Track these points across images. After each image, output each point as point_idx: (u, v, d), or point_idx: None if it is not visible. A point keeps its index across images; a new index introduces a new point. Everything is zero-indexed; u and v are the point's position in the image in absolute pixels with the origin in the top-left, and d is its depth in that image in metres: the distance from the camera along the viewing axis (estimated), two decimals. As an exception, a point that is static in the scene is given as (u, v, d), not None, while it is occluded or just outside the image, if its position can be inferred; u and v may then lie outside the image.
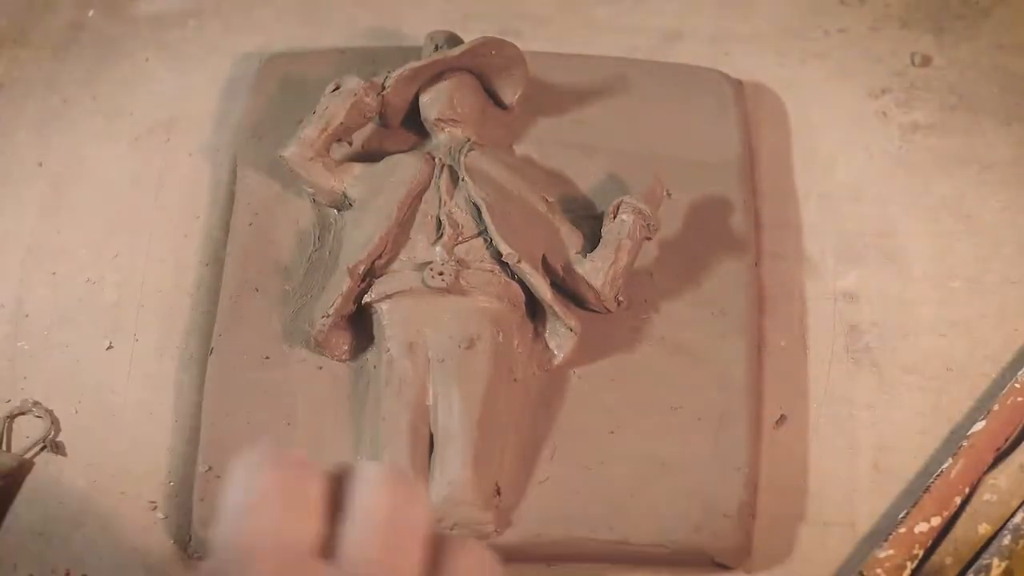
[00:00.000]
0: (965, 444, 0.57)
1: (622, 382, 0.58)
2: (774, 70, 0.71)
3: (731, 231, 0.63)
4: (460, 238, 0.59)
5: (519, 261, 0.57)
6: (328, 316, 0.57)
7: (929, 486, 0.56)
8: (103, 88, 0.70)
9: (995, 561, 0.54)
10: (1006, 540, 0.55)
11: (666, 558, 0.55)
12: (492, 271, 0.58)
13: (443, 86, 0.63)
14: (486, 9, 0.73)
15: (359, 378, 0.58)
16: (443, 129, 0.63)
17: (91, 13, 0.73)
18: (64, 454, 0.59)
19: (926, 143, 0.68)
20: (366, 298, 0.58)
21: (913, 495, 0.57)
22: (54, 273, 0.64)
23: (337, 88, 0.61)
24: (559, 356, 0.58)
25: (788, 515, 0.57)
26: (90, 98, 0.70)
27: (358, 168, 0.62)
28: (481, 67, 0.63)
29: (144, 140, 0.68)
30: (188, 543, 0.56)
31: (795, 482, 0.58)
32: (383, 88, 0.62)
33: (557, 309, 0.58)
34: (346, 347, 0.59)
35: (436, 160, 0.61)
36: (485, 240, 0.59)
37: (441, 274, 0.57)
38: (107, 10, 0.73)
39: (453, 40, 0.65)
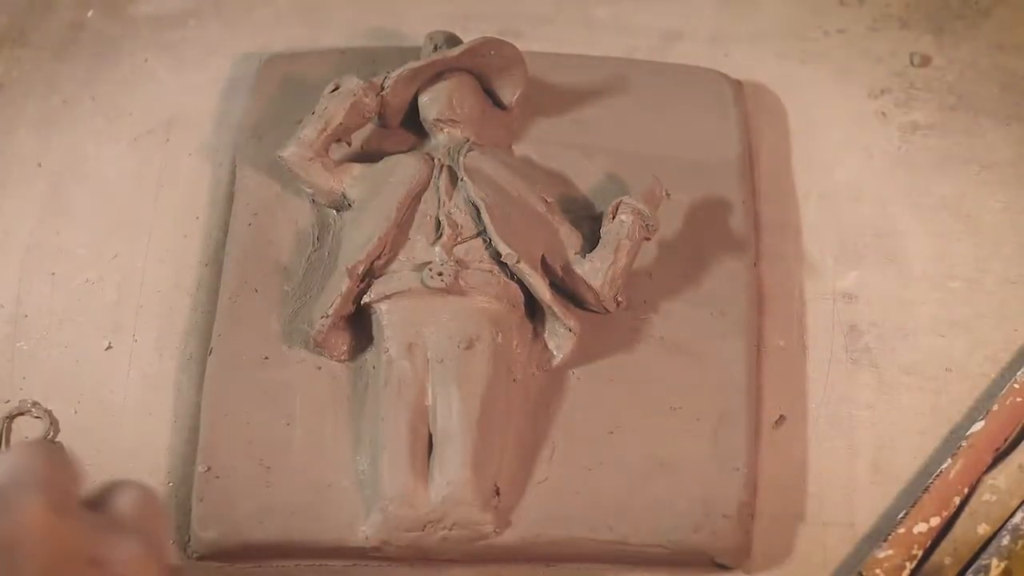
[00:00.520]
0: (964, 444, 0.57)
1: (622, 382, 0.58)
2: (774, 70, 0.71)
3: (731, 231, 0.63)
4: (459, 238, 0.59)
5: (518, 261, 0.57)
6: (327, 316, 0.57)
7: (928, 486, 0.56)
8: (103, 88, 0.70)
9: (994, 561, 0.54)
10: (1005, 540, 0.55)
11: (666, 558, 0.55)
12: (491, 271, 0.58)
13: (442, 86, 0.63)
14: (486, 9, 0.73)
15: (358, 378, 0.58)
16: (442, 129, 0.63)
17: (91, 13, 0.73)
18: (64, 454, 0.59)
19: (926, 143, 0.68)
20: (365, 298, 0.58)
21: (912, 495, 0.57)
22: (53, 273, 0.64)
23: (336, 88, 0.61)
24: (558, 356, 0.58)
25: (787, 515, 0.57)
26: (90, 98, 0.70)
27: (357, 168, 0.62)
28: (480, 67, 0.63)
29: (144, 140, 0.68)
30: (187, 543, 0.56)
31: (794, 482, 0.58)
32: (382, 88, 0.62)
33: (556, 309, 0.58)
34: (345, 347, 0.59)
35: (435, 160, 0.61)
36: (484, 240, 0.59)
37: (440, 274, 0.57)
38: (107, 10, 0.74)
39: (452, 40, 0.65)
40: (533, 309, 0.59)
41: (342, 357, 0.58)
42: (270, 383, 0.58)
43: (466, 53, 0.62)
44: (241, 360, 0.59)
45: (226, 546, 0.55)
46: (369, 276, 0.58)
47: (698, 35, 0.72)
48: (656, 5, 0.73)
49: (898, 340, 0.62)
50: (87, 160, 0.68)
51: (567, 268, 0.59)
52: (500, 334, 0.57)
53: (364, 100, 0.61)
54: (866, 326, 0.63)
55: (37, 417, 0.59)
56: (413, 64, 0.62)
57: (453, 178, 0.60)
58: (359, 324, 0.59)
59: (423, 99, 0.63)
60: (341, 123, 0.61)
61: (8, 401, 0.60)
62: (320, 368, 0.58)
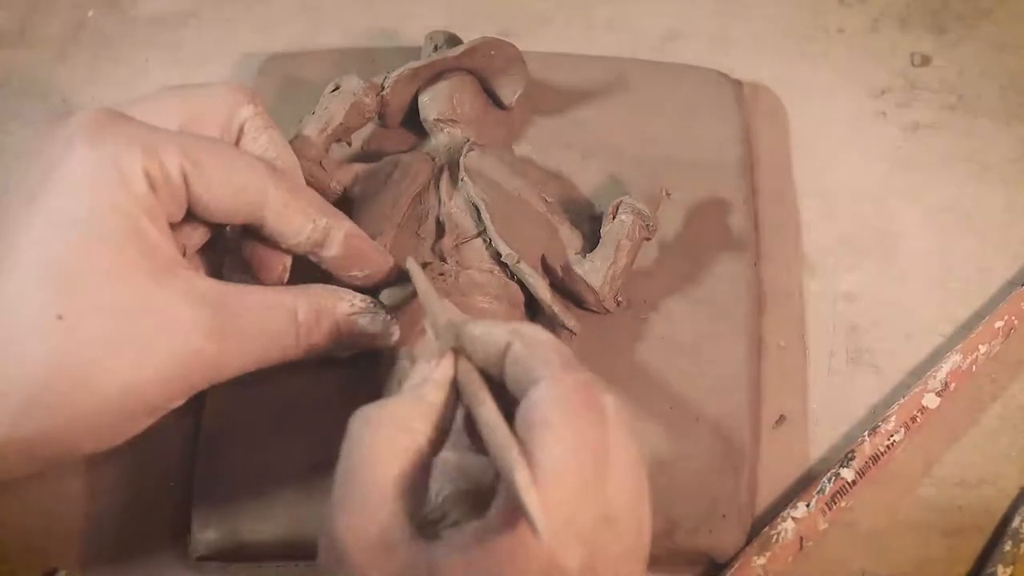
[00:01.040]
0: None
1: (622, 382, 0.58)
2: (774, 70, 0.71)
3: (731, 231, 0.63)
4: (460, 239, 0.59)
5: (518, 262, 0.57)
6: (327, 316, 0.57)
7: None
8: (103, 88, 0.70)
9: (1000, 568, 0.54)
10: (1007, 547, 0.55)
11: (666, 558, 0.55)
12: (491, 272, 0.58)
13: (443, 86, 0.63)
14: (486, 9, 0.73)
15: (359, 378, 0.58)
16: (443, 129, 0.63)
17: (91, 13, 0.73)
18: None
19: (926, 143, 0.68)
20: (365, 298, 0.58)
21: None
22: (54, 273, 0.64)
23: (337, 88, 0.61)
24: (558, 356, 0.58)
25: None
26: (90, 98, 0.70)
27: (357, 168, 0.62)
28: (481, 67, 0.63)
29: (144, 140, 0.68)
30: (188, 543, 0.56)
31: (794, 482, 0.58)
32: (382, 88, 0.62)
33: (556, 310, 0.58)
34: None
35: (435, 161, 0.61)
36: (485, 241, 0.59)
37: (441, 274, 0.57)
38: (107, 10, 0.74)
39: (452, 40, 0.65)
40: (534, 309, 0.59)
41: (343, 356, 0.58)
42: (271, 382, 0.58)
43: (466, 53, 0.62)
44: (241, 360, 0.58)
45: (226, 546, 0.55)
46: (369, 276, 0.58)
47: (698, 35, 0.72)
48: (656, 5, 0.73)
49: (898, 340, 0.62)
50: (87, 160, 0.68)
51: (567, 268, 0.59)
52: (500, 334, 0.57)
53: (364, 100, 0.61)
54: (866, 326, 0.63)
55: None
56: (413, 64, 0.62)
57: (453, 178, 0.60)
58: (359, 324, 0.59)
59: (423, 99, 0.63)
60: (341, 123, 0.61)
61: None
62: (321, 368, 0.58)
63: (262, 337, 0.48)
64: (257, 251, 0.52)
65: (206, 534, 0.55)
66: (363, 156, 0.64)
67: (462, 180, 0.60)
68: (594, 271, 0.58)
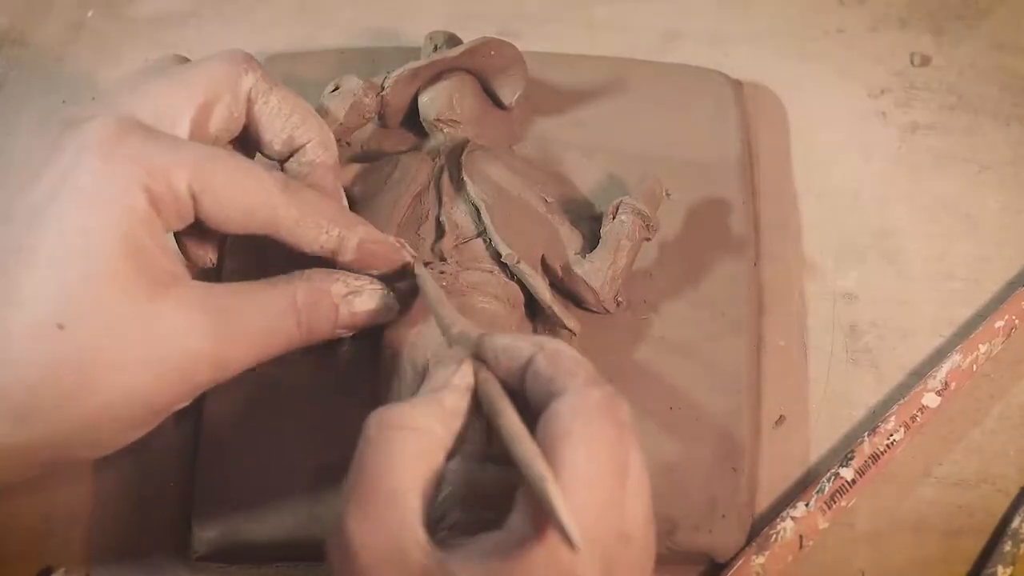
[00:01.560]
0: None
1: (622, 382, 0.58)
2: (774, 70, 0.71)
3: (731, 231, 0.63)
4: (459, 239, 0.59)
5: (518, 262, 0.57)
6: (328, 316, 0.57)
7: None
8: (103, 88, 0.70)
9: (999, 568, 0.54)
10: (1007, 547, 0.55)
11: (666, 558, 0.55)
12: (491, 272, 0.58)
13: (442, 86, 0.63)
14: (486, 9, 0.73)
15: (360, 379, 0.58)
16: (442, 129, 0.63)
17: (91, 13, 0.73)
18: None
19: (925, 143, 0.68)
20: (366, 298, 0.58)
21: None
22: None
23: (336, 88, 0.61)
24: (558, 356, 0.58)
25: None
26: (90, 98, 0.70)
27: (357, 168, 0.62)
28: (480, 67, 0.63)
29: (144, 140, 0.68)
30: (188, 543, 0.56)
31: (794, 482, 0.58)
32: (382, 88, 0.62)
33: (556, 310, 0.58)
34: (345, 347, 0.58)
35: (435, 161, 0.61)
36: (485, 241, 0.59)
37: (441, 274, 0.57)
38: (107, 10, 0.73)
39: (452, 40, 0.65)
40: (534, 309, 0.59)
41: (344, 356, 0.58)
42: (271, 382, 0.58)
43: (466, 53, 0.62)
44: (241, 360, 0.58)
45: (226, 546, 0.55)
46: (369, 276, 0.58)
47: (698, 35, 0.72)
48: (656, 5, 0.73)
49: (898, 340, 0.62)
50: (87, 160, 0.68)
51: (567, 268, 0.59)
52: (500, 334, 0.57)
53: (364, 100, 0.61)
54: (866, 326, 0.63)
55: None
56: (413, 64, 0.62)
57: (453, 178, 0.60)
58: (359, 324, 0.59)
59: (423, 99, 0.63)
60: (341, 123, 0.61)
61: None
62: (322, 368, 0.58)
63: (263, 330, 0.48)
64: (184, 242, 0.53)
65: (206, 534, 0.55)
66: (363, 156, 0.64)
67: (462, 180, 0.60)
68: (594, 271, 0.58)
